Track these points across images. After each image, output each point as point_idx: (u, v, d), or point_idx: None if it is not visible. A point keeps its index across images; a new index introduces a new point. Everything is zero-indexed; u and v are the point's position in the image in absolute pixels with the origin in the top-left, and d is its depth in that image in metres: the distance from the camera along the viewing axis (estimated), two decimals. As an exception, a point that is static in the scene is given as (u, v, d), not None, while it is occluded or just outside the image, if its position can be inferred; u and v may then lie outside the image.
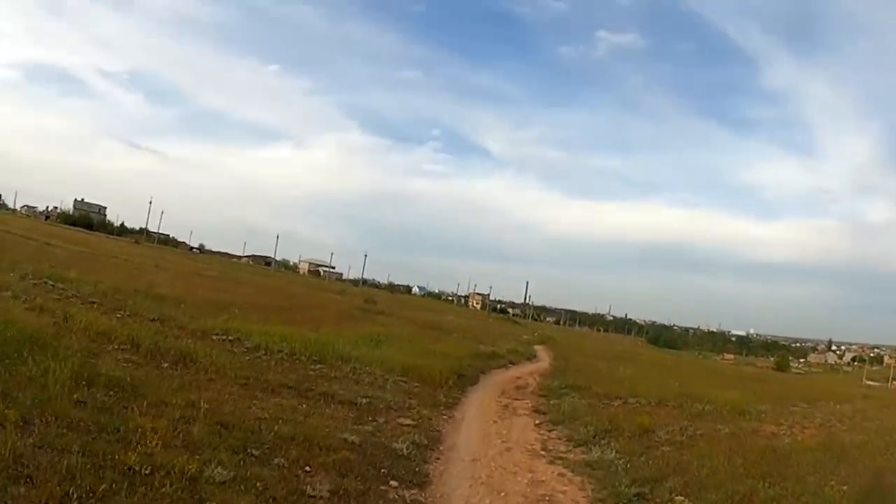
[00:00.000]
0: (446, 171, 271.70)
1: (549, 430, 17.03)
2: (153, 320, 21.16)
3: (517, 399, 21.76)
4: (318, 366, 19.53)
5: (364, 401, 15.91)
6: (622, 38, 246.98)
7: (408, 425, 14.59)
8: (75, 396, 10.49)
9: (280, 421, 12.19)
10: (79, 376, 11.40)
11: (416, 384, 19.89)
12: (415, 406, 16.87)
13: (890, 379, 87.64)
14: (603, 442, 15.47)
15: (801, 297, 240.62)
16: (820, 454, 15.41)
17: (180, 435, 9.95)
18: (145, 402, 11.16)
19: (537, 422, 18.04)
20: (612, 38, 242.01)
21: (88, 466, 7.85)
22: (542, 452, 14.46)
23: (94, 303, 22.44)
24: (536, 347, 49.76)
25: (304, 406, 14.34)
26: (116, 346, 15.99)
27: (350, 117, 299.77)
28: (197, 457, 9.07)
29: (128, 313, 21.56)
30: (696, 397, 23.81)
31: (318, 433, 11.88)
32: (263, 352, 19.80)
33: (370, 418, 14.53)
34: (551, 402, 21.39)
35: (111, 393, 11.39)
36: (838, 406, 29.51)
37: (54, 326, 16.32)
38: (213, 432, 10.51)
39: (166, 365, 15.42)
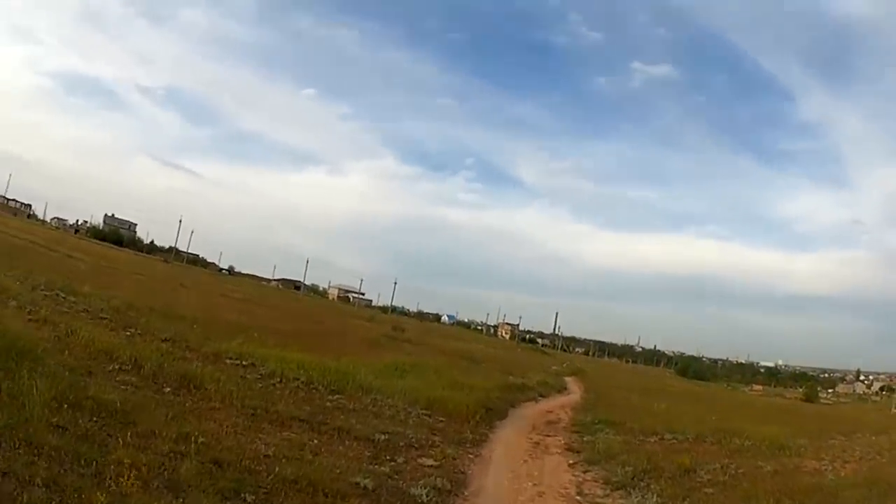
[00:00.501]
0: (479, 201, 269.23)
1: (584, 471, 15.72)
2: (164, 340, 20.25)
3: (549, 435, 20.52)
4: (336, 396, 18.29)
5: (382, 437, 14.55)
6: (657, 70, 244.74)
7: (430, 466, 13.26)
8: (55, 420, 9.44)
9: (284, 460, 10.84)
10: (64, 397, 10.34)
11: (441, 418, 18.60)
12: (438, 443, 15.52)
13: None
14: (642, 484, 14.28)
15: (830, 327, 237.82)
16: (865, 490, 14.68)
17: (165, 473, 8.74)
18: (131, 432, 9.96)
19: (571, 461, 16.76)
20: (648, 70, 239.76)
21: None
22: (578, 498, 13.21)
23: (104, 318, 21.80)
24: (567, 379, 48.92)
25: (315, 442, 13.06)
26: (117, 366, 14.97)
27: (384, 144, 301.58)
28: (179, 501, 7.97)
29: (138, 331, 20.79)
30: (734, 432, 22.94)
31: (327, 476, 10.46)
32: (278, 379, 18.62)
33: (388, 458, 13.18)
34: (585, 438, 20.19)
35: (97, 419, 10.23)
36: (874, 437, 28.75)
37: (55, 340, 15.50)
38: (204, 471, 9.21)
39: (168, 389, 14.32)
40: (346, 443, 13.60)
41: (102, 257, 63.27)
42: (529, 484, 13.66)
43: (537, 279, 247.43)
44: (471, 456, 15.29)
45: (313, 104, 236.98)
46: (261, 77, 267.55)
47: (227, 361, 19.44)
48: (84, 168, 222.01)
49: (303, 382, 18.80)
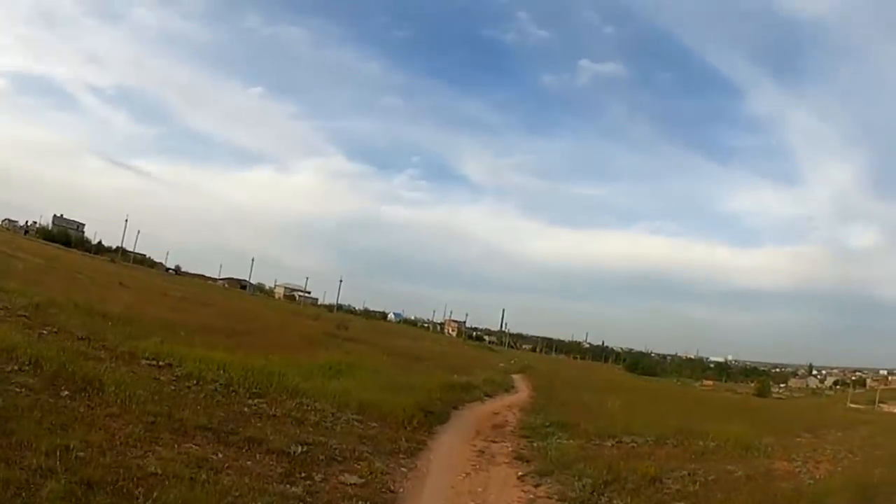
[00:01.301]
0: (426, 199, 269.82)
1: (536, 485, 14.21)
2: (80, 338, 18.90)
3: (494, 441, 19.10)
4: (257, 400, 16.59)
5: (300, 449, 12.84)
6: (605, 68, 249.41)
7: (352, 485, 11.59)
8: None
9: (172, 480, 9.16)
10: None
11: (374, 424, 17.11)
12: (366, 455, 13.89)
13: (876, 401, 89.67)
14: (604, 499, 13.05)
15: (781, 322, 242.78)
16: (850, 495, 13.93)
17: (24, 494, 7.43)
18: (2, 444, 8.83)
19: (520, 473, 15.24)
20: (595, 67, 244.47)
21: None
22: (531, 521, 11.63)
23: (21, 316, 20.65)
24: (514, 376, 47.86)
25: (219, 456, 11.33)
26: (16, 368, 13.54)
27: (332, 143, 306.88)
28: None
29: (55, 329, 19.52)
30: (696, 432, 21.95)
31: (220, 501, 8.85)
32: (195, 381, 16.94)
33: (302, 475, 11.47)
34: (535, 444, 18.81)
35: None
36: (840, 434, 28.79)
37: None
38: (69, 494, 7.75)
39: (66, 393, 12.71)
40: (257, 457, 11.91)
41: (46, 257, 61.96)
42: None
43: (484, 276, 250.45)
44: (403, 469, 13.81)
45: (261, 103, 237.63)
46: (209, 76, 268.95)
47: (143, 362, 17.85)
48: (36, 168, 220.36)
49: (221, 385, 17.16)
